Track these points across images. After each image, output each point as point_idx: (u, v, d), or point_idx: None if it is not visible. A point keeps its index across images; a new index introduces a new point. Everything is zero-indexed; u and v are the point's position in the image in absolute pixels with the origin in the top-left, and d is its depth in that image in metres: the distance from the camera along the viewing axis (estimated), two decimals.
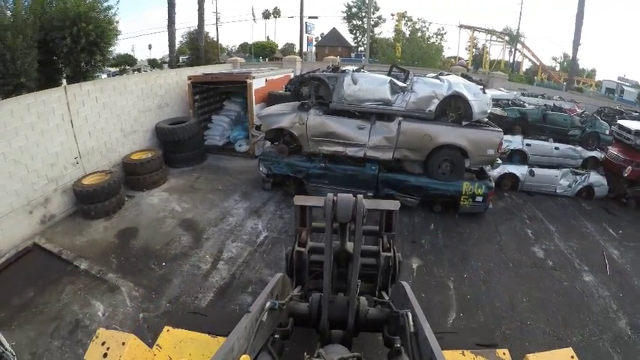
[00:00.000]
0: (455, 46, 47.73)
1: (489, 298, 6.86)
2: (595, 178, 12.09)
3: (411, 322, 2.97)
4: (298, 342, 4.26)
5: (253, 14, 45.01)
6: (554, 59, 48.86)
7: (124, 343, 2.69)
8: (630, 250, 9.43)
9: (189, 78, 11.97)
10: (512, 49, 44.02)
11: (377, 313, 3.87)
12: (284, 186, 9.72)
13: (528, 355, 2.44)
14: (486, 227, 9.32)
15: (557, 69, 46.47)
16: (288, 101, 10.24)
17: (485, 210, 9.47)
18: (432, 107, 8.67)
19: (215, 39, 36.26)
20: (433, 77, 9.12)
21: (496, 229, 9.29)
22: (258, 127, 9.89)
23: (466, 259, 7.92)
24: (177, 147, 11.11)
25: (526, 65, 45.34)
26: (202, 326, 3.42)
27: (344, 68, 9.58)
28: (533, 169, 11.74)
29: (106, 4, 11.00)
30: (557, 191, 11.96)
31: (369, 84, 8.77)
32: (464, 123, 8.68)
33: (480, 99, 8.61)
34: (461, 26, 44.87)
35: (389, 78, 8.91)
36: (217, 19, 39.64)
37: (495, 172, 11.08)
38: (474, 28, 45.13)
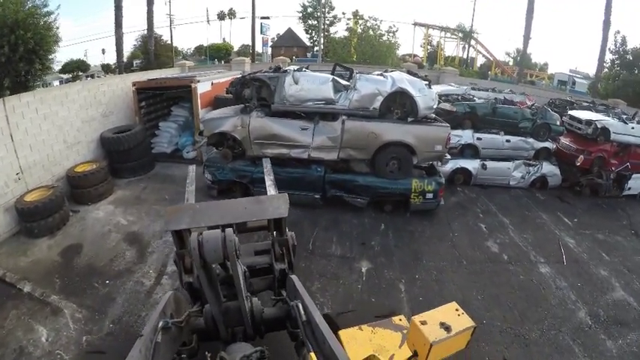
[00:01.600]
0: (410, 44, 48.60)
1: (442, 298, 6.82)
2: (548, 168, 12.46)
3: (302, 312, 3.13)
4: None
5: (207, 16, 44.39)
6: (508, 54, 50.47)
7: None
8: (586, 238, 9.74)
9: (134, 84, 11.59)
10: (466, 46, 45.06)
11: (275, 311, 3.96)
12: (230, 192, 9.49)
13: (414, 317, 2.50)
14: (438, 224, 9.41)
15: (511, 64, 47.84)
16: (234, 105, 10.04)
17: (436, 207, 9.53)
18: (377, 104, 8.65)
19: (169, 42, 35.46)
20: (377, 74, 9.10)
21: (449, 226, 9.41)
22: (201, 132, 9.66)
23: (418, 258, 7.95)
24: (123, 156, 10.75)
25: (480, 61, 46.56)
26: None
27: (286, 68, 9.44)
28: (485, 162, 11.97)
29: (45, 10, 10.45)
30: (511, 183, 12.27)
31: (311, 83, 8.68)
32: (409, 119, 8.72)
33: (425, 94, 8.67)
34: (415, 24, 45.61)
35: (331, 76, 8.85)
36: (171, 21, 38.77)
37: (447, 167, 11.26)
38: (428, 26, 46.05)
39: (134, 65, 31.47)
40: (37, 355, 5.36)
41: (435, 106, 8.97)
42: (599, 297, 7.57)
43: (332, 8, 40.22)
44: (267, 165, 6.71)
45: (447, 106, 11.80)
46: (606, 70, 30.03)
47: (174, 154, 12.49)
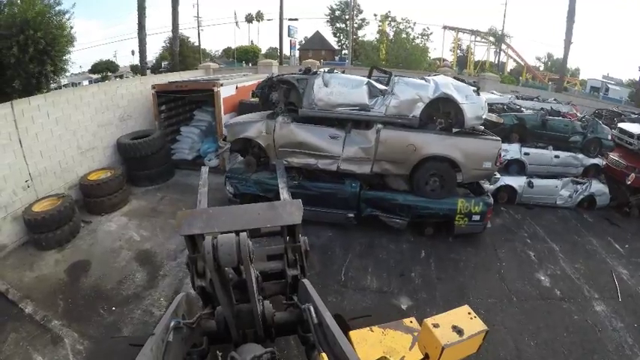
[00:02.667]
0: (439, 48, 47.63)
1: (492, 344, 5.89)
2: (597, 187, 11.37)
3: (314, 314, 3.11)
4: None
5: (236, 18, 44.41)
6: (538, 59, 48.81)
7: None
8: (638, 267, 8.72)
9: (154, 87, 11.03)
10: (497, 50, 43.71)
11: (286, 315, 3.93)
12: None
13: (426, 319, 2.43)
14: (484, 251, 8.42)
15: (542, 69, 46.28)
16: (260, 110, 9.26)
17: (483, 230, 8.49)
18: (417, 112, 7.60)
19: (197, 44, 35.42)
20: (420, 78, 8.12)
21: (495, 253, 8.39)
22: (225, 138, 8.89)
23: (463, 294, 7.00)
24: (140, 164, 10.20)
25: (510, 65, 45.17)
26: None
27: (316, 70, 8.54)
28: (531, 179, 10.93)
29: (58, 9, 9.92)
30: (558, 203, 11.19)
31: (343, 86, 7.73)
32: (454, 130, 7.70)
33: (474, 102, 7.60)
34: (445, 27, 44.52)
35: (366, 79, 7.88)
36: (198, 23, 38.84)
37: (491, 186, 10.19)
38: (458, 29, 44.86)
39: (162, 67, 31.49)
40: None
41: (484, 116, 7.90)
42: None
43: (360, 11, 39.69)
44: (280, 167, 6.57)
45: (493, 116, 10.61)
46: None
47: (196, 160, 11.83)
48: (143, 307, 6.18)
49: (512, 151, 10.89)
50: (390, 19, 30.86)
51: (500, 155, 7.88)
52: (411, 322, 3.30)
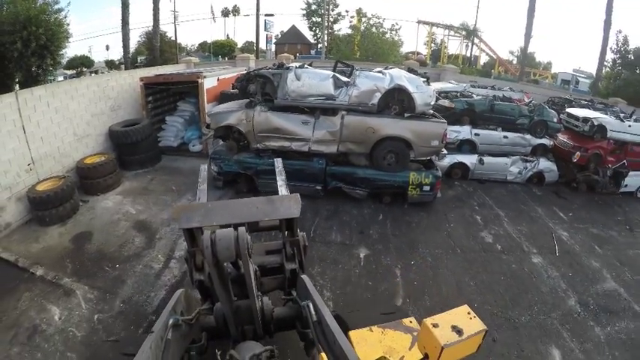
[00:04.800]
0: (413, 42, 48.75)
1: (436, 283, 7.23)
2: (545, 164, 12.75)
3: (313, 312, 3.15)
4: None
5: (212, 13, 44.53)
6: (512, 53, 50.48)
7: None
8: (580, 232, 10.03)
9: (142, 79, 11.97)
10: (470, 44, 45.23)
11: (286, 311, 4.00)
12: (235, 183, 9.93)
13: (425, 319, 2.47)
14: (435, 215, 9.76)
15: (515, 62, 48.03)
16: (239, 99, 10.41)
17: (433, 199, 9.89)
18: (375, 100, 9.00)
19: (173, 38, 35.80)
20: (376, 71, 9.45)
21: (445, 217, 9.74)
22: (208, 125, 10.05)
23: (414, 246, 8.30)
24: (130, 149, 11.13)
25: (484, 59, 46.68)
26: None
27: (289, 65, 9.82)
28: (482, 157, 12.27)
29: (56, 7, 10.84)
30: (508, 178, 12.57)
31: (312, 79, 9.05)
32: (406, 115, 9.06)
33: (423, 91, 9.00)
34: (419, 22, 45.74)
35: (332, 73, 9.21)
36: (175, 17, 39.08)
37: (445, 162, 11.60)
38: (431, 24, 46.12)
39: (138, 61, 31.66)
40: (50, 333, 5.67)
41: (432, 103, 9.30)
42: (590, 287, 7.88)
43: (336, 5, 40.47)
44: (278, 165, 6.73)
45: (445, 102, 12.14)
46: (608, 69, 30.31)
47: (180, 147, 12.88)
48: (143, 263, 7.22)
49: (464, 132, 12.32)
50: (361, 15, 32.10)
51: (445, 135, 9.28)
52: (410, 322, 3.38)
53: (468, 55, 47.05)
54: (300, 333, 3.81)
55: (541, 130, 13.04)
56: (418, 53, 44.87)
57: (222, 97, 12.26)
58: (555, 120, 13.36)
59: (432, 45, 48.47)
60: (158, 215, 8.87)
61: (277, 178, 6.25)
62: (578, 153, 12.71)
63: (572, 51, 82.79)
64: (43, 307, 6.16)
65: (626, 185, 13.03)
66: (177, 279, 6.82)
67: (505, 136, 12.56)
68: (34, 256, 7.40)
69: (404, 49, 43.58)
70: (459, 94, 13.52)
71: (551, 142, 13.23)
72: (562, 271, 8.19)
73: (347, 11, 37.80)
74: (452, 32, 46.81)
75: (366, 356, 2.82)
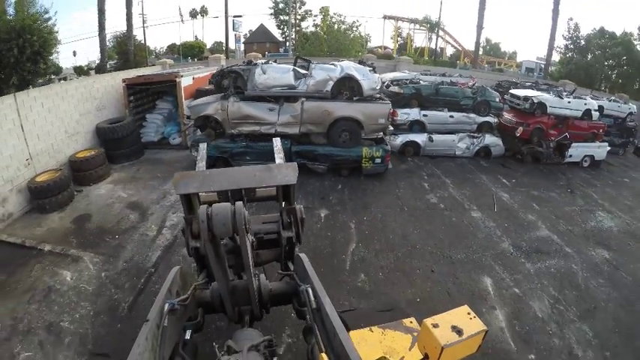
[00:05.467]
0: (381, 36, 50.16)
1: (384, 231, 8.77)
2: (491, 139, 14.48)
3: (312, 298, 3.04)
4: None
5: (181, 14, 44.99)
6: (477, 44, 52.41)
7: None
8: (521, 194, 11.62)
9: (124, 80, 13.18)
10: (435, 37, 47.01)
11: (282, 286, 3.97)
12: (214, 167, 11.27)
13: (425, 320, 2.50)
14: (387, 184, 11.35)
15: (481, 53, 50.07)
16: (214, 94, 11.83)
17: (385, 170, 11.52)
18: (329, 88, 10.65)
19: (142, 42, 36.37)
20: (330, 64, 11.05)
21: (396, 185, 11.34)
22: (188, 117, 11.46)
23: (367, 207, 9.84)
24: (117, 144, 12.29)
25: (450, 51, 48.55)
26: None
27: (256, 62, 11.33)
28: (432, 135, 13.90)
29: (46, 16, 11.98)
30: (457, 153, 14.24)
31: (276, 73, 10.64)
32: (355, 99, 10.66)
33: (369, 78, 10.64)
34: (385, 17, 47.32)
35: (292, 67, 10.76)
36: (144, 21, 39.59)
37: (398, 141, 13.22)
38: (397, 18, 47.68)
39: (108, 66, 32.11)
40: (64, 290, 6.74)
41: (377, 88, 10.93)
42: (524, 234, 9.41)
43: (303, 3, 41.62)
44: (277, 144, 6.70)
45: (395, 89, 13.78)
46: (561, 54, 32.55)
47: (161, 141, 14.16)
48: (139, 233, 8.52)
49: (413, 114, 13.99)
50: (324, 14, 33.64)
51: (390, 113, 10.90)
52: (410, 322, 3.39)
53: (434, 47, 48.87)
54: (297, 311, 3.74)
55: (484, 109, 14.75)
56: (385, 47, 46.44)
57: (197, 94, 13.58)
58: (497, 100, 15.10)
59: (399, 39, 50.11)
60: (148, 196, 10.15)
61: (275, 157, 6.27)
62: (520, 128, 14.50)
63: (536, 40, 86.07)
64: (55, 273, 7.17)
65: (570, 156, 14.82)
66: (170, 241, 8.15)
67: (451, 116, 14.24)
68: (39, 237, 8.28)
69: (372, 44, 45.49)
70: (408, 81, 15.16)
71: (496, 120, 14.93)
72: (499, 222, 9.73)
73: (310, 11, 39.21)
74: (417, 26, 48.37)
75: (367, 356, 2.68)
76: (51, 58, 11.98)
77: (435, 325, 2.43)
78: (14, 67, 10.96)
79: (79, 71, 40.62)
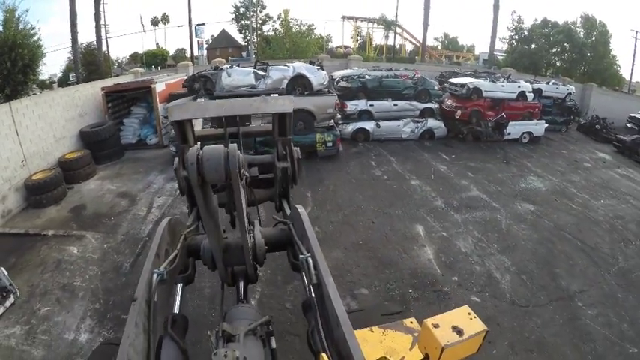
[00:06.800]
0: (341, 36, 51.46)
1: (334, 198, 10.63)
2: (433, 123, 16.51)
3: (312, 271, 2.71)
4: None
5: (142, 24, 44.51)
6: (436, 39, 54.74)
7: None
8: (458, 166, 13.47)
9: (103, 89, 14.67)
10: (392, 35, 48.73)
11: (277, 234, 3.74)
12: None
13: (426, 320, 2.46)
14: (339, 163, 13.28)
15: (440, 48, 52.41)
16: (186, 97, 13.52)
17: (337, 152, 13.47)
18: (284, 85, 12.62)
19: (106, 52, 36.69)
20: (284, 65, 12.95)
21: (347, 164, 13.27)
22: (165, 117, 13.12)
23: (321, 181, 11.71)
24: (99, 146, 13.63)
25: (410, 47, 50.45)
26: None
27: (222, 67, 13.14)
28: (379, 122, 15.83)
29: (33, 31, 13.31)
30: (403, 137, 16.21)
31: (239, 75, 12.52)
32: (306, 93, 12.60)
33: (317, 75, 12.63)
34: (344, 17, 48.76)
35: (252, 69, 12.61)
36: (107, 32, 39.81)
37: (349, 129, 15.18)
38: (356, 18, 49.05)
39: (70, 79, 31.23)
40: (72, 260, 8.08)
41: (325, 83, 12.90)
42: (456, 195, 11.22)
43: (264, 7, 42.25)
44: None
45: (344, 83, 15.78)
46: (507, 45, 35.27)
47: (139, 143, 15.63)
48: (132, 213, 10.12)
49: (361, 104, 15.92)
50: (281, 19, 35.27)
51: (337, 104, 12.88)
52: (411, 322, 3.31)
53: (392, 45, 50.63)
54: (292, 263, 3.58)
55: (425, 96, 16.81)
56: (346, 47, 47.94)
57: (170, 97, 15.19)
58: (436, 88, 17.20)
59: (359, 38, 51.64)
60: (134, 187, 11.71)
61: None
62: (459, 111, 16.60)
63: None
64: (62, 249, 8.45)
65: (509, 133, 16.94)
66: (159, 217, 9.76)
67: (395, 104, 16.25)
68: (41, 226, 9.47)
69: (333, 44, 47.17)
70: (356, 76, 17.11)
71: (437, 106, 16.98)
72: (434, 187, 11.61)
73: (270, 17, 40.45)
74: (375, 25, 49.93)
75: (367, 356, 2.42)
76: (38, 70, 13.30)
77: (436, 325, 2.40)
78: (7, 79, 12.27)
79: (42, 85, 40.26)
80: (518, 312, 7.03)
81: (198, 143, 3.96)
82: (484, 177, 12.81)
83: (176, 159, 4.23)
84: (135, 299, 2.34)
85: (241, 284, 3.48)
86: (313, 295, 2.94)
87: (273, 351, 2.70)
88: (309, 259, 2.79)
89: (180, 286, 3.51)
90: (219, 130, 5.14)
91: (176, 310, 3.33)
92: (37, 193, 10.56)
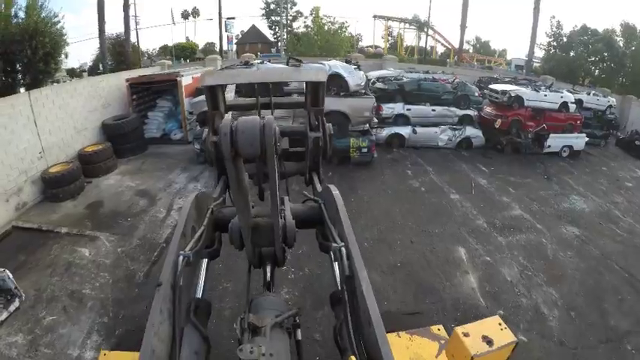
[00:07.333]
0: (371, 36, 50.68)
1: (369, 210, 9.79)
2: (471, 131, 15.53)
3: (345, 262, 2.46)
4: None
5: (172, 17, 44.95)
6: (468, 42, 53.43)
7: None
8: (498, 180, 12.62)
9: (127, 80, 14.12)
10: (425, 35, 47.78)
11: (306, 211, 3.53)
12: None
13: (456, 327, 2.43)
14: (374, 171, 12.40)
15: (471, 51, 51.09)
16: None
17: (371, 159, 12.54)
18: None
19: (136, 43, 36.80)
20: (319, 63, 12.07)
21: (381, 172, 12.39)
22: (191, 113, 12.39)
23: (354, 190, 10.87)
24: (122, 139, 13.13)
25: (441, 49, 49.34)
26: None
27: (252, 62, 12.33)
28: (415, 128, 14.93)
29: (55, 19, 12.87)
30: (440, 144, 15.28)
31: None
32: (342, 94, 11.66)
33: (354, 75, 11.71)
34: (375, 16, 48.06)
35: (285, 66, 11.73)
36: (137, 23, 39.93)
37: (384, 133, 14.26)
38: (387, 18, 48.33)
39: (100, 68, 30.46)
40: (83, 264, 7.57)
41: (362, 84, 11.99)
42: (498, 213, 10.40)
43: (294, 4, 42.09)
44: None
45: (380, 85, 14.84)
46: (545, 51, 33.79)
47: (163, 137, 15.05)
48: (150, 215, 9.47)
49: (398, 108, 15.00)
50: (314, 15, 34.63)
51: (374, 107, 11.92)
52: (438, 329, 3.24)
53: (424, 46, 49.65)
54: (320, 244, 3.36)
55: (464, 103, 15.85)
56: (376, 47, 47.12)
57: (197, 92, 14.44)
58: (477, 94, 16.21)
59: (389, 38, 50.90)
60: (155, 185, 11.07)
61: None
62: (499, 120, 15.57)
63: (525, 38, 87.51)
64: (73, 250, 7.99)
65: (549, 146, 15.83)
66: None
67: (433, 110, 15.30)
68: (55, 222, 9.04)
69: (363, 43, 46.38)
70: (392, 78, 16.20)
71: (476, 113, 15.98)
72: (475, 203, 10.73)
73: (302, 13, 39.93)
74: (407, 25, 49.09)
75: None
76: (60, 59, 12.84)
77: (466, 334, 2.39)
78: (27, 68, 11.83)
79: (72, 73, 40.84)
80: (567, 355, 6.34)
81: (230, 113, 3.85)
82: (525, 193, 11.89)
83: (205, 129, 4.20)
84: (160, 284, 2.14)
85: (268, 268, 3.27)
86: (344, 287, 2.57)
87: (299, 343, 2.52)
88: (343, 249, 2.50)
89: (204, 262, 3.20)
90: (250, 100, 4.91)
91: (199, 292, 3.00)
92: (54, 187, 10.15)
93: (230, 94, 11.52)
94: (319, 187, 4.10)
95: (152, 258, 7.90)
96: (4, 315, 6.14)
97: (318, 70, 4.44)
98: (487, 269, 8.18)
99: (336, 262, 2.60)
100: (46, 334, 5.99)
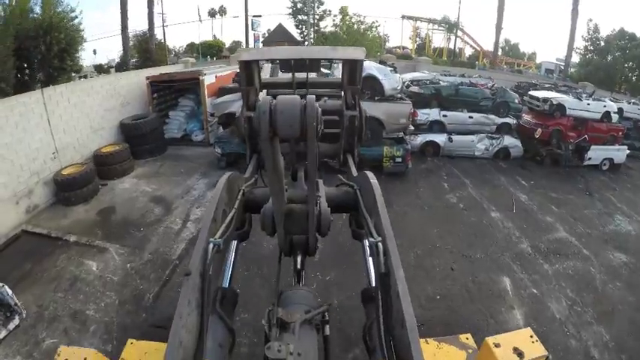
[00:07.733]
0: (399, 36, 49.76)
1: (405, 229, 8.80)
2: (510, 140, 14.36)
3: (382, 258, 2.25)
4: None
5: (199, 14, 45.14)
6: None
7: (85, 359, 2.70)
8: (539, 195, 11.55)
9: (148, 78, 13.44)
10: (453, 37, 46.62)
11: (341, 196, 3.39)
12: (236, 164, 11.42)
13: (487, 338, 2.44)
14: (407, 183, 11.42)
15: (500, 53, 49.64)
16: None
17: (405, 169, 11.54)
18: None
19: (162, 41, 36.77)
20: None
21: (416, 184, 11.39)
22: (212, 114, 11.60)
23: (389, 204, 9.78)
24: (140, 140, 12.51)
25: (469, 51, 48.08)
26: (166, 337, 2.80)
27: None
28: (451, 136, 13.86)
29: (73, 14, 12.32)
30: (476, 154, 14.16)
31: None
32: (376, 98, 10.68)
33: (390, 78, 10.70)
34: (403, 17, 47.10)
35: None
36: (164, 20, 39.95)
37: (418, 141, 13.24)
38: (415, 18, 47.37)
39: (129, 64, 32.53)
40: (90, 279, 6.99)
41: (398, 88, 10.98)
42: (542, 235, 9.38)
43: (321, 3, 41.48)
44: None
45: (415, 89, 13.79)
46: (580, 55, 32.15)
47: (184, 138, 14.37)
48: (164, 226, 8.72)
49: (433, 114, 13.94)
50: (343, 14, 33.83)
51: (411, 113, 10.91)
52: (467, 338, 3.23)
53: (452, 48, 48.45)
54: (354, 232, 3.39)
55: (503, 110, 14.64)
56: (404, 47, 46.20)
57: (220, 92, 13.69)
58: (517, 101, 15.00)
59: (417, 39, 49.88)
60: (172, 191, 10.34)
61: None
62: (539, 129, 14.36)
63: (555, 41, 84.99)
64: (80, 263, 7.43)
65: (589, 158, 14.46)
66: (194, 235, 8.25)
67: (471, 117, 14.16)
68: (64, 228, 8.60)
69: (390, 44, 45.34)
70: (428, 81, 15.14)
71: (514, 121, 14.80)
72: (517, 223, 9.71)
73: (330, 11, 39.15)
74: (435, 26, 48.08)
75: None
76: (77, 55, 12.27)
77: (497, 345, 2.37)
78: (41, 64, 11.29)
79: (99, 69, 41.33)
80: None
81: (264, 91, 3.94)
82: (569, 212, 10.77)
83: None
84: (188, 273, 2.08)
85: (299, 258, 3.12)
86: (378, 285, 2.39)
87: (326, 338, 2.34)
88: (380, 245, 2.30)
89: (234, 244, 3.07)
90: (285, 77, 4.78)
91: (226, 281, 2.86)
92: (66, 190, 9.65)
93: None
94: (354, 171, 4.03)
95: (163, 277, 7.15)
96: (3, 333, 5.77)
97: (355, 49, 4.25)
98: (534, 304, 7.24)
99: (371, 258, 2.45)
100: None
